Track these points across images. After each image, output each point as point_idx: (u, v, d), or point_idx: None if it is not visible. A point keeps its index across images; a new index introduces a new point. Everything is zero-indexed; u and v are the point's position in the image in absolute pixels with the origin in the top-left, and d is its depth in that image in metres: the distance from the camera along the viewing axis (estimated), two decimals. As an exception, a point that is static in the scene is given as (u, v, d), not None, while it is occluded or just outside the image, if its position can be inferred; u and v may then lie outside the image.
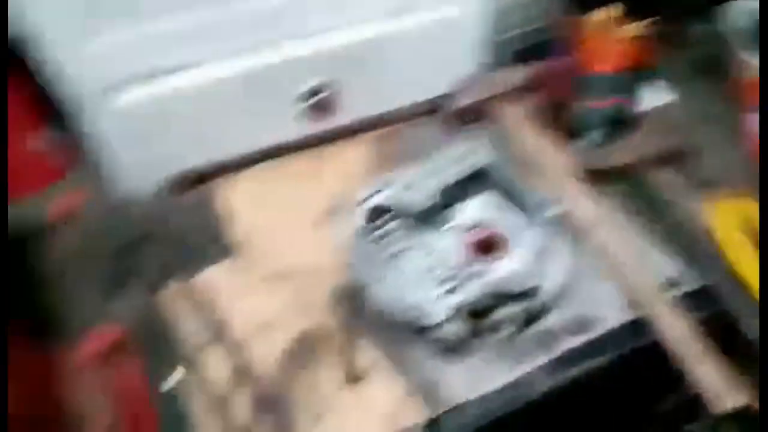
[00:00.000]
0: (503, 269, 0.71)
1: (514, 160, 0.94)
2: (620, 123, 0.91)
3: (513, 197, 0.80)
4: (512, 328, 0.68)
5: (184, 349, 0.76)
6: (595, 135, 0.92)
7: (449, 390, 0.73)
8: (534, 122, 0.98)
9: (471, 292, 0.71)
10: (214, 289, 0.82)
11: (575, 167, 0.91)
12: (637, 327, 0.78)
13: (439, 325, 0.68)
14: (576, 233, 0.85)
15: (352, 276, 0.82)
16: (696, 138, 0.95)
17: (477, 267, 0.74)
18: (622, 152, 0.94)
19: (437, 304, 0.68)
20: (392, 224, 0.81)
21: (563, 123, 0.94)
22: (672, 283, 0.82)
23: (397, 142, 0.99)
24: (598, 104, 0.87)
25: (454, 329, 0.69)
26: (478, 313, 0.71)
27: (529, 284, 0.69)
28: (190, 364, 0.75)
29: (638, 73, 0.85)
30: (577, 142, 0.94)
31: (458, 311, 0.69)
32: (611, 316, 0.79)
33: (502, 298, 0.70)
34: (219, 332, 0.77)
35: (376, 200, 0.77)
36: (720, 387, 0.71)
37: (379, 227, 0.81)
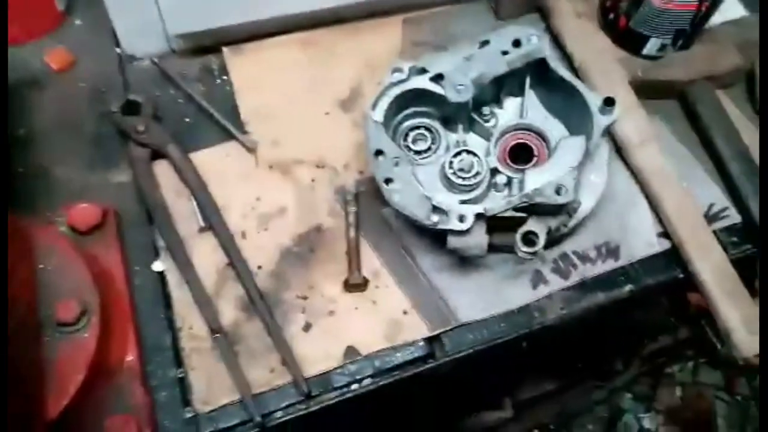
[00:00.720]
0: (536, 181, 0.63)
1: (562, 62, 0.84)
2: (691, 32, 0.79)
3: (558, 101, 0.70)
4: (534, 247, 0.62)
5: (171, 235, 0.70)
6: (659, 42, 0.81)
7: (457, 306, 0.68)
8: (591, 20, 0.85)
9: (497, 201, 0.64)
10: (212, 172, 0.74)
11: (628, 76, 0.81)
12: (664, 261, 0.72)
13: (459, 233, 0.62)
14: (619, 149, 0.77)
15: (367, 172, 0.75)
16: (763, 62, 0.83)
17: (508, 174, 0.67)
18: (682, 66, 0.82)
19: (460, 210, 0.62)
20: (419, 118, 0.72)
21: (625, 25, 0.81)
22: (713, 215, 0.75)
23: (433, 26, 0.87)
24: (675, 6, 0.75)
25: (474, 240, 0.63)
26: (501, 225, 0.64)
27: (560, 200, 0.62)
28: (177, 252, 0.69)
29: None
30: (636, 49, 0.83)
31: (481, 220, 0.63)
32: (640, 245, 0.72)
33: (529, 212, 0.64)
34: (213, 219, 0.71)
35: (404, 88, 0.68)
36: (742, 333, 0.66)
37: (403, 120, 0.72)
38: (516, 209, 0.62)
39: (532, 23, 0.88)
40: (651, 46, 0.82)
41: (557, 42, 0.85)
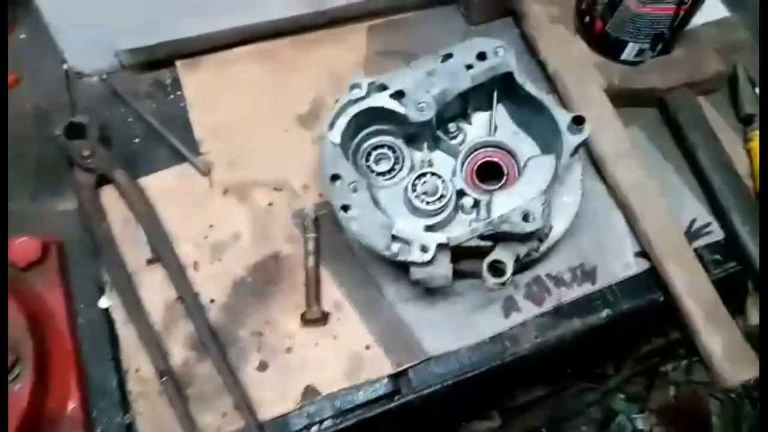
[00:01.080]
0: (503, 204, 0.59)
1: (536, 70, 0.79)
2: (670, 36, 0.75)
3: (528, 117, 0.66)
4: (503, 277, 0.58)
5: (118, 268, 0.65)
6: (637, 47, 0.76)
7: (424, 339, 0.64)
8: (565, 25, 0.81)
9: (462, 228, 0.60)
10: (163, 197, 0.70)
11: (605, 84, 0.76)
12: (644, 283, 0.68)
13: (422, 264, 0.58)
14: (595, 162, 0.73)
15: (326, 196, 0.70)
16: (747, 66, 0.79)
17: (475, 197, 0.62)
18: (661, 73, 0.78)
19: (422, 240, 0.57)
20: (381, 137, 0.68)
21: (601, 29, 0.77)
22: (695, 232, 0.71)
23: (400, 34, 0.82)
24: (652, 9, 0.70)
25: (438, 270, 0.58)
26: (467, 252, 0.60)
27: (528, 228, 0.57)
28: (124, 287, 0.64)
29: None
30: (614, 54, 0.78)
31: (445, 249, 0.58)
32: (617, 266, 0.68)
33: (496, 239, 0.59)
34: (162, 250, 0.66)
35: (362, 106, 0.63)
36: (725, 362, 0.62)
37: (364, 139, 0.68)
38: (482, 237, 0.58)
39: (504, 28, 0.84)
40: (629, 51, 0.77)
41: (531, 48, 0.81)
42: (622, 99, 0.77)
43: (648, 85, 0.77)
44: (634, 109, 0.78)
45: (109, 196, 0.70)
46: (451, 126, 0.68)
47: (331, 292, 0.66)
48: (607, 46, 0.78)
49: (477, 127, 0.69)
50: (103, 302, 0.65)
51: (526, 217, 0.56)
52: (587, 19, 0.79)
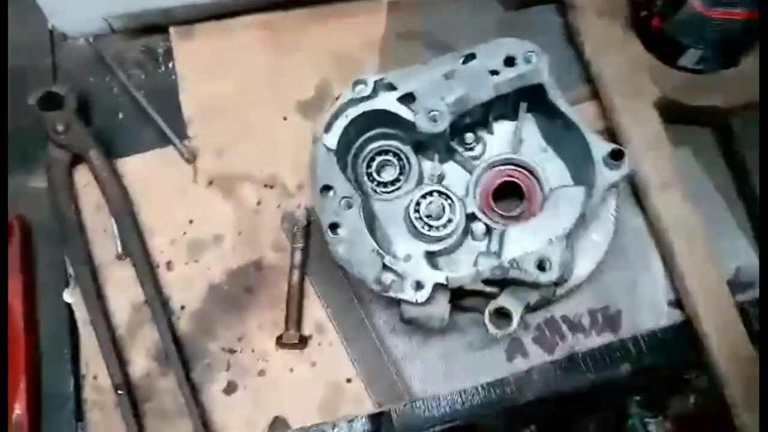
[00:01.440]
0: (518, 239, 0.50)
1: (578, 68, 0.68)
2: (740, 45, 0.63)
3: (560, 134, 0.56)
4: (508, 328, 0.50)
5: (84, 260, 0.59)
6: (699, 54, 0.64)
7: (413, 377, 0.57)
8: (616, 20, 0.69)
9: (471, 255, 0.52)
10: (141, 184, 0.63)
11: (656, 95, 0.65)
12: (673, 337, 0.59)
13: (415, 304, 0.50)
14: (635, 189, 0.63)
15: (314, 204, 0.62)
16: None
17: (487, 223, 0.54)
18: (724, 90, 0.66)
19: (417, 275, 0.49)
20: (386, 140, 0.59)
21: (658, 26, 0.65)
22: (741, 282, 0.61)
23: (425, 15, 0.71)
24: (721, 13, 0.59)
25: (435, 310, 0.50)
26: (471, 292, 0.52)
27: (543, 279, 0.48)
28: (88, 283, 0.58)
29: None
30: (670, 58, 0.66)
31: (445, 289, 0.50)
32: (646, 315, 0.59)
33: (503, 284, 0.51)
34: (134, 245, 0.60)
35: (365, 108, 0.55)
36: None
37: (367, 142, 0.59)
38: (487, 282, 0.49)
39: (546, 15, 0.73)
40: (689, 57, 0.66)
41: (574, 43, 0.70)
42: (675, 115, 0.66)
43: (707, 103, 0.66)
44: (686, 128, 0.67)
45: (84, 177, 0.64)
46: (469, 136, 0.58)
47: (315, 311, 0.59)
48: (663, 46, 0.67)
49: (499, 138, 0.60)
50: (67, 296, 0.59)
51: (541, 265, 0.48)
52: (644, 12, 0.68)
